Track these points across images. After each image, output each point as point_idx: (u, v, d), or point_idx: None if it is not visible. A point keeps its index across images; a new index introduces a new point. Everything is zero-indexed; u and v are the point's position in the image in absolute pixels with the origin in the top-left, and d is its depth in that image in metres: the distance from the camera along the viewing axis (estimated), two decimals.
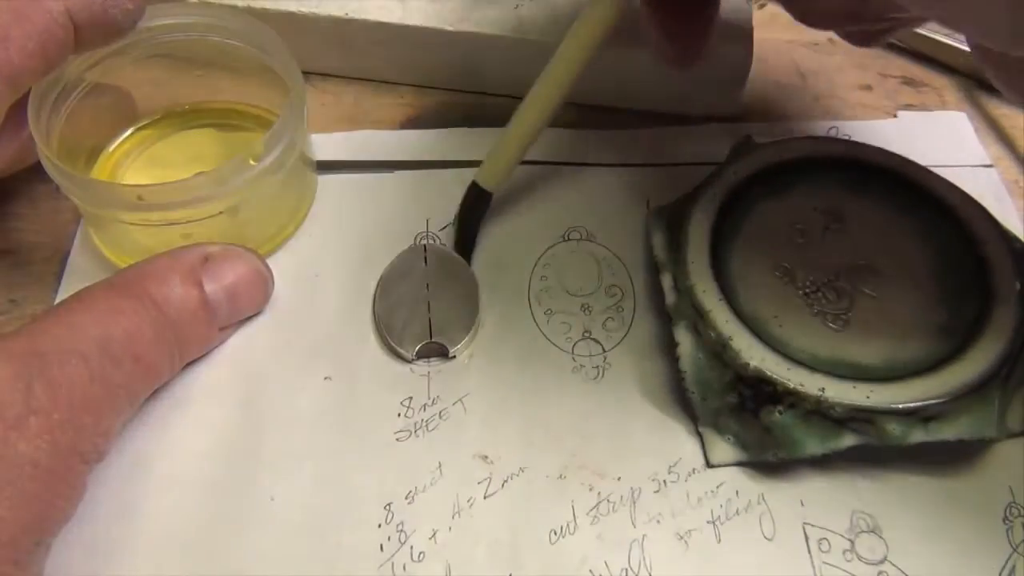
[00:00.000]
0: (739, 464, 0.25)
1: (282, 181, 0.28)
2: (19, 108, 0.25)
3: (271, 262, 0.28)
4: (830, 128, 0.34)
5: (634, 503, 0.25)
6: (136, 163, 0.31)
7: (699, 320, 0.26)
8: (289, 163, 0.28)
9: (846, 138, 0.33)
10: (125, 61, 0.29)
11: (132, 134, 0.32)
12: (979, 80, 0.36)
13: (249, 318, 0.28)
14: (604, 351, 0.28)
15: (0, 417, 0.19)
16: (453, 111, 0.34)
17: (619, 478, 0.25)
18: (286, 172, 0.28)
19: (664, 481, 0.25)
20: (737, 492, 0.25)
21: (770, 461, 0.25)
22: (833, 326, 0.26)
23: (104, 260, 0.29)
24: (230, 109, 0.32)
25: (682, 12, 0.26)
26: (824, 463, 0.25)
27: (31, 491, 0.20)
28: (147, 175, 0.31)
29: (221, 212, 0.27)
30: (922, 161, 0.29)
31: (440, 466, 0.25)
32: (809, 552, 0.24)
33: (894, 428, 0.23)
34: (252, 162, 0.26)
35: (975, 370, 0.24)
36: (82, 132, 0.29)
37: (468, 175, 0.32)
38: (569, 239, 0.31)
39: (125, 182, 0.30)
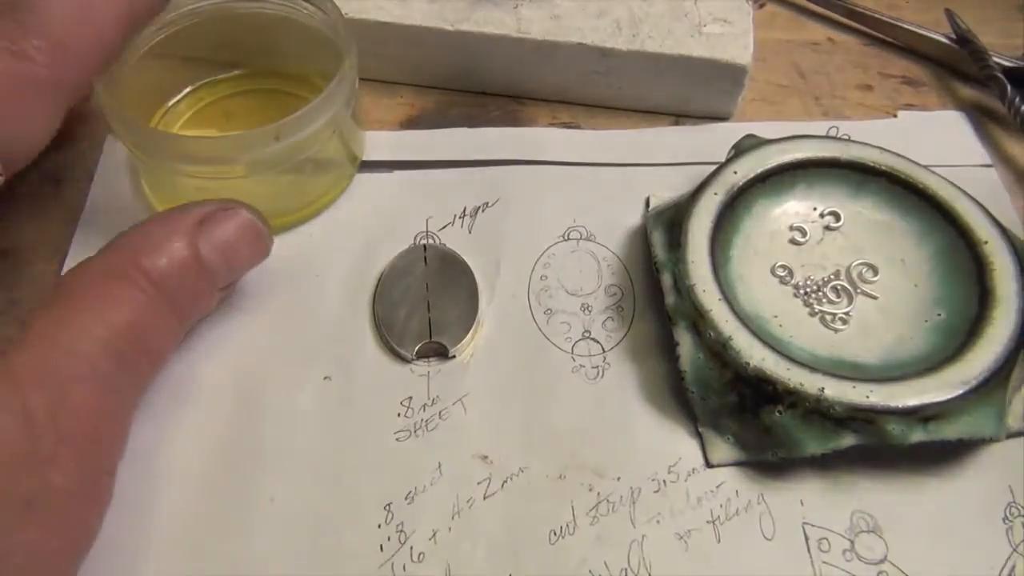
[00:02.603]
0: (739, 464, 0.25)
1: (295, 169, 0.28)
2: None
3: (277, 259, 0.28)
4: (830, 128, 0.34)
5: (634, 503, 0.25)
6: (197, 117, 0.32)
7: (699, 320, 0.26)
8: (309, 152, 0.28)
9: (846, 138, 0.33)
10: (190, 23, 0.30)
11: (192, 91, 0.32)
12: (980, 80, 0.36)
13: (248, 318, 0.28)
14: (604, 351, 0.28)
15: (35, 454, 0.19)
16: (453, 111, 0.34)
17: (619, 478, 0.25)
18: (297, 162, 0.28)
19: (664, 481, 0.25)
20: (737, 492, 0.25)
21: (770, 461, 0.25)
22: (833, 326, 0.27)
23: None
24: (297, 76, 0.33)
25: None
26: (824, 463, 0.25)
27: (72, 521, 0.20)
28: (207, 131, 0.31)
29: (241, 176, 0.27)
30: (922, 161, 0.29)
31: (440, 466, 0.25)
32: (809, 552, 0.24)
33: (894, 428, 0.23)
34: (275, 141, 0.26)
35: (975, 370, 0.24)
36: (143, 87, 0.30)
37: (468, 175, 0.32)
38: (569, 239, 0.31)
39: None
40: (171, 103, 0.32)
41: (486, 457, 0.26)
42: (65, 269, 0.29)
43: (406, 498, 0.25)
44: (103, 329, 0.21)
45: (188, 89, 0.32)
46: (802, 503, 0.25)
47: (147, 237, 0.23)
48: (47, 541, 0.19)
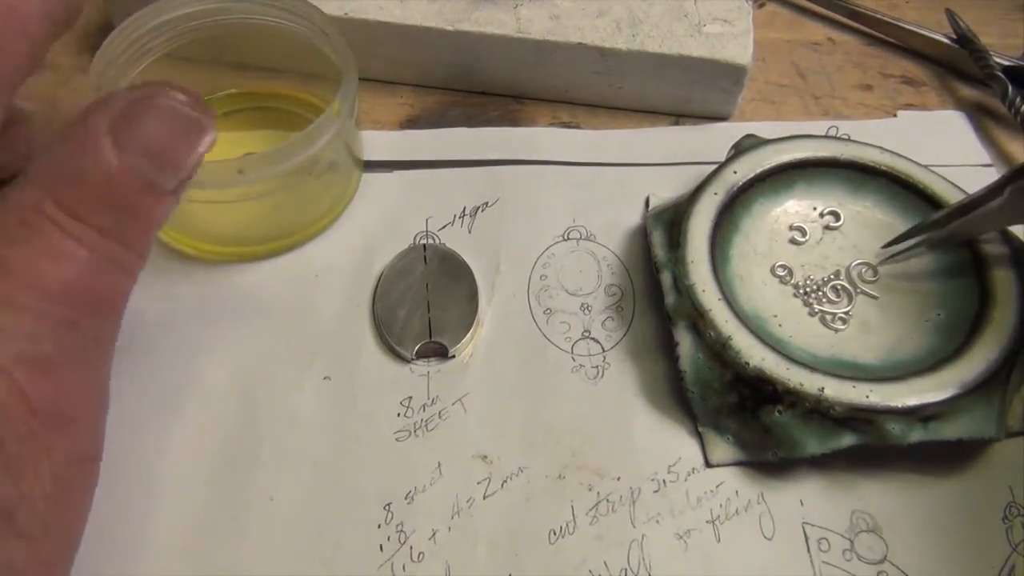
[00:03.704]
0: (739, 464, 0.25)
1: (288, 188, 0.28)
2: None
3: (278, 260, 0.28)
4: (830, 128, 0.34)
5: (634, 503, 0.25)
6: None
7: (699, 320, 0.26)
8: (314, 170, 0.28)
9: (846, 138, 0.33)
10: (184, 40, 0.29)
11: None
12: (980, 80, 0.36)
13: (248, 318, 0.28)
14: (604, 351, 0.28)
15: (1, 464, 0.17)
16: (453, 111, 0.34)
17: (619, 478, 0.25)
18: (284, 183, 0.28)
19: (664, 481, 0.25)
20: (737, 492, 0.25)
21: (770, 461, 0.25)
22: (833, 326, 0.27)
23: None
24: (289, 95, 0.33)
25: None
26: (824, 463, 0.25)
27: (56, 524, 0.18)
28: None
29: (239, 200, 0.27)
30: (922, 161, 0.29)
31: (440, 466, 0.25)
32: (809, 552, 0.24)
33: (894, 428, 0.23)
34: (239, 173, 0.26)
35: (975, 370, 0.24)
36: None
37: (468, 175, 0.32)
38: (569, 239, 0.31)
39: None
40: None
41: (486, 457, 0.26)
42: None
43: (406, 498, 0.25)
44: (39, 300, 0.18)
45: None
46: (802, 503, 0.25)
47: (57, 166, 0.19)
48: (33, 552, 0.18)
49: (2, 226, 0.18)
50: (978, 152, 0.34)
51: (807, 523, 0.24)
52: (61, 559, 0.19)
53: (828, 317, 0.27)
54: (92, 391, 0.19)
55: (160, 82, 0.20)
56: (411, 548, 0.24)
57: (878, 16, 0.38)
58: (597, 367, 0.27)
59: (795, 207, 0.29)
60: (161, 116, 0.19)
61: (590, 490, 0.25)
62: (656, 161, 0.33)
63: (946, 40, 0.37)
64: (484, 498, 0.25)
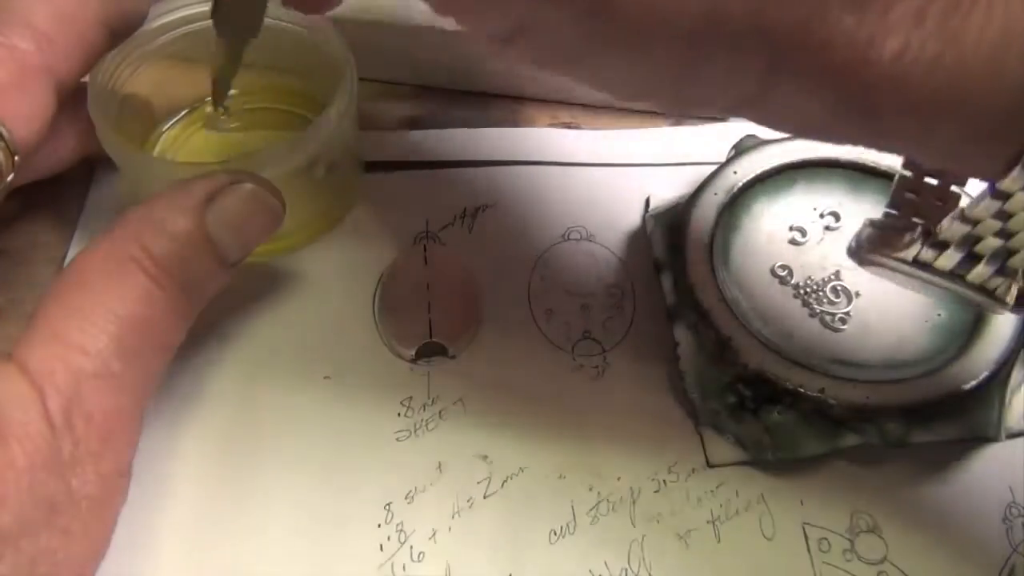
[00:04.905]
0: (739, 464, 0.25)
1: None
2: (76, 100, 0.26)
3: (278, 260, 0.28)
4: None
5: (634, 503, 0.25)
6: (189, 143, 0.32)
7: (699, 320, 0.26)
8: (315, 174, 0.28)
9: None
10: (185, 41, 0.29)
11: (185, 115, 0.32)
12: None
13: (249, 318, 0.28)
14: (604, 351, 0.28)
15: (57, 457, 0.19)
16: (453, 111, 0.34)
17: (619, 478, 0.25)
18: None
19: (664, 481, 0.25)
20: (737, 492, 0.25)
21: (770, 461, 0.25)
22: (833, 326, 0.27)
23: None
24: (289, 95, 0.33)
25: None
26: (824, 463, 0.25)
27: (93, 526, 0.20)
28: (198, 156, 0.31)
29: None
30: None
31: (440, 466, 0.25)
32: (809, 552, 0.24)
33: (894, 428, 0.23)
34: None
35: (975, 370, 0.24)
36: (137, 111, 0.30)
37: (468, 175, 0.32)
38: (569, 239, 0.31)
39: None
40: (167, 125, 0.32)
41: (486, 457, 0.26)
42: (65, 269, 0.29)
43: (406, 498, 0.25)
44: (113, 324, 0.20)
45: (184, 112, 0.32)
46: (802, 503, 0.25)
47: (152, 217, 0.22)
48: (71, 548, 0.19)
49: (96, 262, 0.21)
50: None
51: (807, 523, 0.24)
52: (92, 562, 0.21)
53: (828, 317, 0.27)
54: (137, 416, 0.22)
55: (249, 173, 0.23)
56: (411, 548, 0.24)
57: None
58: (597, 367, 0.27)
59: (795, 207, 0.29)
60: (248, 198, 0.23)
61: (590, 490, 0.25)
62: (656, 161, 0.33)
63: None
64: (484, 498, 0.25)
